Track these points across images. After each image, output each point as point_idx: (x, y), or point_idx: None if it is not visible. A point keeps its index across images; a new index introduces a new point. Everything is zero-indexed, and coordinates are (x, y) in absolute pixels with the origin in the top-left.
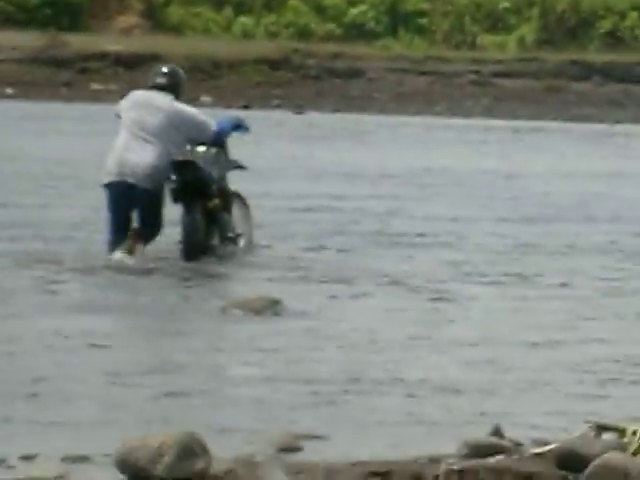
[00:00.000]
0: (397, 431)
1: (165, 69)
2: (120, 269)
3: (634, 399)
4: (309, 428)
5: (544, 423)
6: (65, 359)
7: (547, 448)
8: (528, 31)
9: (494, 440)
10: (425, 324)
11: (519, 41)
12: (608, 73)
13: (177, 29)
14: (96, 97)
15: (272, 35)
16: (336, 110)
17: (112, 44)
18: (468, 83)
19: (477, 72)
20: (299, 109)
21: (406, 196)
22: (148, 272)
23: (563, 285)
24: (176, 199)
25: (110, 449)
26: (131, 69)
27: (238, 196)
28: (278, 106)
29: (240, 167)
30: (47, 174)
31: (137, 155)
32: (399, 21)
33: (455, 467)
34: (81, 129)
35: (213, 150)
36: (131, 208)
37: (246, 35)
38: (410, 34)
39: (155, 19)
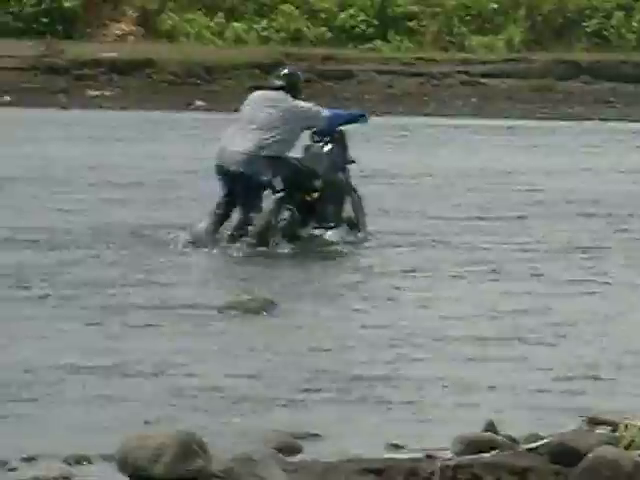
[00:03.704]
0: (392, 428)
1: (284, 71)
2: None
3: (627, 393)
4: (306, 426)
5: (537, 418)
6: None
7: (541, 443)
8: (515, 32)
9: (489, 435)
10: (417, 320)
11: (507, 42)
12: (595, 72)
13: (170, 35)
14: (92, 103)
15: (264, 40)
16: None
17: (107, 51)
18: (457, 84)
19: (466, 73)
20: None
21: (402, 195)
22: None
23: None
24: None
25: (110, 449)
26: (126, 75)
27: (352, 188)
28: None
29: (352, 162)
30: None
31: (237, 143)
32: (388, 24)
33: (450, 463)
34: (81, 134)
35: (326, 147)
36: (233, 193)
37: (239, 40)
38: (399, 36)
39: (149, 26)
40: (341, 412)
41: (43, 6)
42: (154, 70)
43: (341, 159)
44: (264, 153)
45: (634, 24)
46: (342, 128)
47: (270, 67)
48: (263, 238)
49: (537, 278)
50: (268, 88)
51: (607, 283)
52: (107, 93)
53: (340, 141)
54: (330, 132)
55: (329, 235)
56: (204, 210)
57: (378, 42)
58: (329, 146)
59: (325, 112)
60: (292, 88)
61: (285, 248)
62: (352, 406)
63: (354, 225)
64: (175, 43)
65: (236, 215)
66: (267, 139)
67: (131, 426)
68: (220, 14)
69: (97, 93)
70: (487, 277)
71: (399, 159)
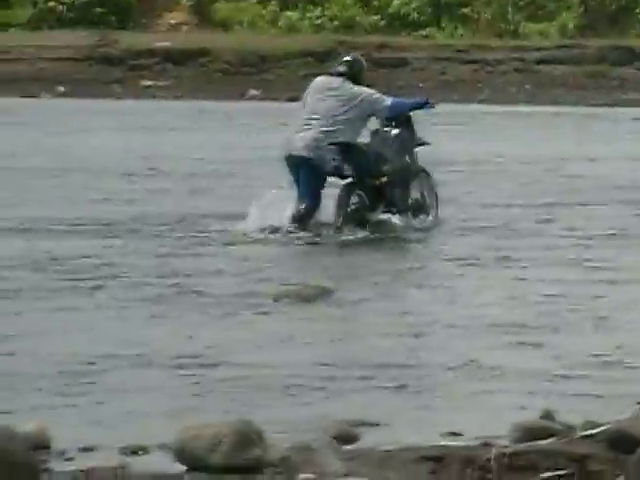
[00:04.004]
0: (450, 416)
1: (347, 58)
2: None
3: None
4: (363, 415)
5: (595, 406)
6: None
7: (598, 430)
8: (569, 18)
9: (545, 423)
10: (468, 307)
11: (561, 28)
12: None
13: (224, 24)
14: (147, 93)
15: (317, 28)
16: None
17: (161, 41)
18: (511, 71)
19: (520, 60)
20: None
21: (458, 182)
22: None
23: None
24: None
25: (168, 439)
26: (180, 65)
27: (425, 172)
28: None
29: (424, 144)
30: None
31: (303, 133)
32: (442, 11)
33: (506, 450)
34: (135, 124)
35: (393, 132)
36: (309, 179)
37: (292, 29)
38: (453, 23)
39: (202, 15)
40: (398, 400)
41: None
42: (208, 59)
43: (409, 142)
44: (331, 140)
45: None
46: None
47: (324, 55)
48: (336, 224)
49: (588, 264)
50: (331, 74)
51: None
52: (161, 83)
53: (407, 124)
54: (396, 117)
55: (396, 220)
56: (257, 199)
57: (432, 29)
58: (396, 130)
59: (388, 100)
60: (355, 75)
61: (355, 233)
62: (408, 394)
63: (421, 209)
64: (229, 32)
65: (297, 203)
66: (332, 127)
67: (187, 415)
68: (273, 2)
69: (151, 83)
70: (542, 263)
71: (454, 146)
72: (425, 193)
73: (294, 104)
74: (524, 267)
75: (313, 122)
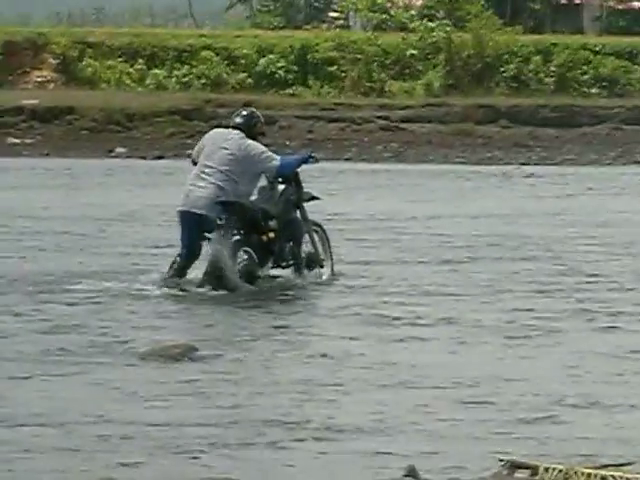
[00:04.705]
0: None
1: (243, 111)
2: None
3: (545, 437)
4: (225, 473)
5: (459, 462)
6: None
7: None
8: (435, 77)
9: None
10: (333, 365)
11: (426, 87)
12: (514, 116)
13: (91, 82)
14: (14, 151)
15: (185, 86)
16: None
17: (28, 98)
18: (377, 129)
19: (386, 118)
20: None
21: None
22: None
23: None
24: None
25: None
26: (47, 122)
27: (318, 226)
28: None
29: (314, 198)
30: None
31: (201, 187)
32: (309, 69)
33: None
34: (3, 182)
35: (280, 188)
36: (195, 236)
37: (159, 87)
38: (319, 82)
39: (69, 73)
40: (254, 457)
41: None
42: (75, 117)
43: (297, 197)
44: (222, 196)
45: (552, 68)
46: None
47: (191, 113)
48: (219, 280)
49: (450, 322)
50: (226, 127)
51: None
52: (28, 140)
53: (295, 180)
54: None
55: (291, 274)
56: (123, 257)
57: (299, 87)
58: (282, 186)
59: (277, 160)
60: (250, 128)
61: (243, 289)
62: (268, 450)
63: (315, 262)
64: (96, 90)
65: (181, 257)
66: (225, 181)
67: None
68: (140, 61)
69: (18, 141)
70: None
71: (321, 204)
72: (318, 247)
73: (160, 162)
74: (400, 326)
75: (206, 176)
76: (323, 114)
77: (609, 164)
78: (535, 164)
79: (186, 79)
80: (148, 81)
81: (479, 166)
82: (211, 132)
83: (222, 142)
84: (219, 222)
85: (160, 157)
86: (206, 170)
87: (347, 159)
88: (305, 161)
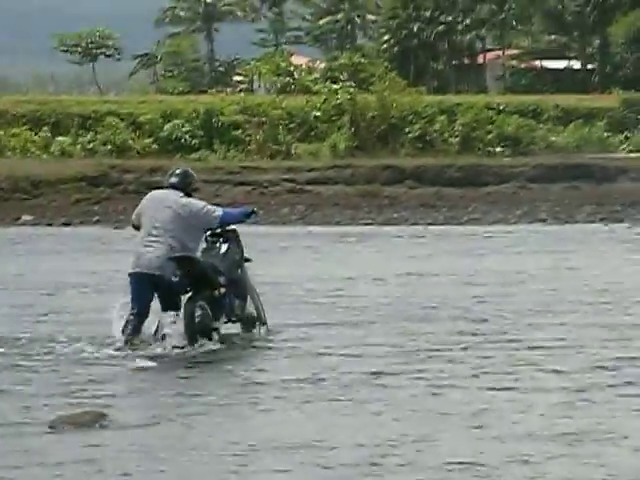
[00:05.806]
0: None
1: (177, 170)
2: None
3: None
4: None
5: None
6: None
7: None
8: (340, 138)
9: None
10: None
11: (332, 148)
12: (419, 176)
13: None
14: None
15: (90, 153)
16: None
17: None
18: (284, 191)
19: (292, 180)
20: (118, 224)
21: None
22: None
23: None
24: (181, 289)
25: None
26: None
27: (250, 285)
28: (98, 222)
29: (247, 260)
30: None
31: (151, 249)
32: (214, 134)
33: None
34: None
35: (223, 247)
36: (149, 295)
37: (64, 154)
38: (226, 145)
39: None
40: None
41: None
42: None
43: (239, 257)
44: (171, 254)
45: (456, 128)
46: (235, 227)
47: (97, 179)
48: (192, 337)
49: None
50: (164, 187)
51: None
52: None
53: (235, 239)
54: (224, 231)
55: (241, 330)
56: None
57: (204, 152)
58: (225, 245)
59: (219, 211)
60: (185, 187)
61: (203, 343)
62: None
63: (259, 320)
64: (1, 158)
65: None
66: (172, 240)
67: None
68: (45, 128)
69: None
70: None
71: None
72: (259, 306)
73: (67, 229)
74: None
75: (155, 237)
76: (229, 178)
77: (514, 222)
78: (441, 224)
79: (91, 145)
80: (53, 148)
81: (387, 227)
82: (148, 195)
83: (165, 202)
84: (174, 279)
85: (67, 224)
86: (154, 232)
87: (254, 223)
88: (248, 215)
